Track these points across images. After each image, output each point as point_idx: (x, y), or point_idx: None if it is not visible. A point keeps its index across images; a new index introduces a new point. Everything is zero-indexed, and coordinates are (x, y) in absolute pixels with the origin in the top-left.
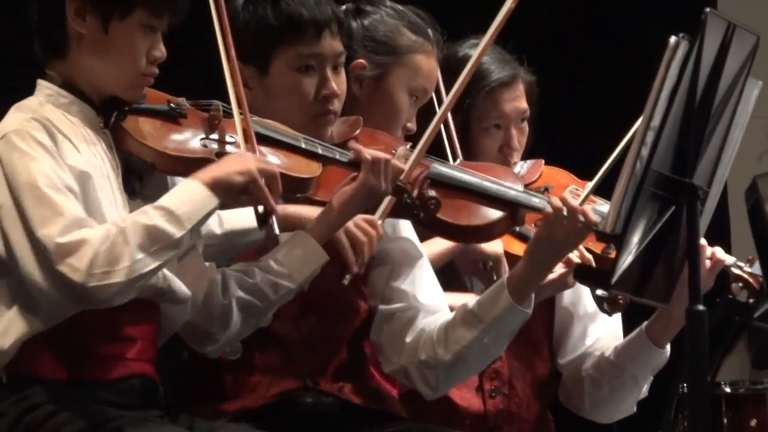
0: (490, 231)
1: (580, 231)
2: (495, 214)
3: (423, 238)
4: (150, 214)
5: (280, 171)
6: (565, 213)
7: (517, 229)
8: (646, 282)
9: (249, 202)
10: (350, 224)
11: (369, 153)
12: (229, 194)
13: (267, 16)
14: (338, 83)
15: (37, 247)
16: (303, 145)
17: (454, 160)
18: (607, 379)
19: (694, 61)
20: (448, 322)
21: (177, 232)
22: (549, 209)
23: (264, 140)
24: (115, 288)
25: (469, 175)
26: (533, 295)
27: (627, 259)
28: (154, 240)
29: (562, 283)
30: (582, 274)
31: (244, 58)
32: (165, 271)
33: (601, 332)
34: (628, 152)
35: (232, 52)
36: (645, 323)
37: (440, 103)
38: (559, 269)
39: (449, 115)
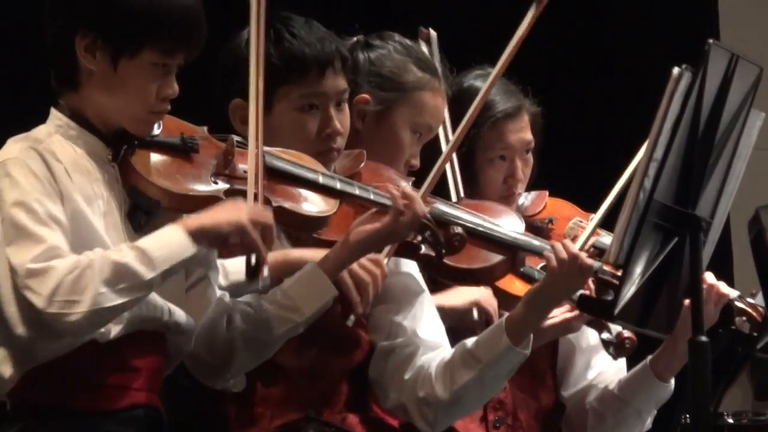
0: (489, 274)
1: (580, 277)
2: (495, 257)
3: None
4: (123, 252)
5: (288, 208)
6: (568, 261)
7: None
8: (649, 313)
9: (241, 252)
10: (354, 264)
11: (406, 197)
12: (215, 243)
13: (270, 55)
14: (341, 120)
15: (12, 274)
16: (321, 181)
17: (457, 198)
18: (610, 413)
19: (697, 92)
20: (447, 361)
21: (147, 274)
22: (550, 253)
23: (281, 176)
24: (74, 318)
25: (471, 216)
26: (531, 336)
27: (630, 290)
28: (122, 277)
29: (565, 328)
30: (585, 304)
31: (246, 95)
32: (170, 306)
33: (604, 365)
34: (630, 185)
35: (261, 90)
36: (649, 357)
37: (446, 138)
38: (564, 313)
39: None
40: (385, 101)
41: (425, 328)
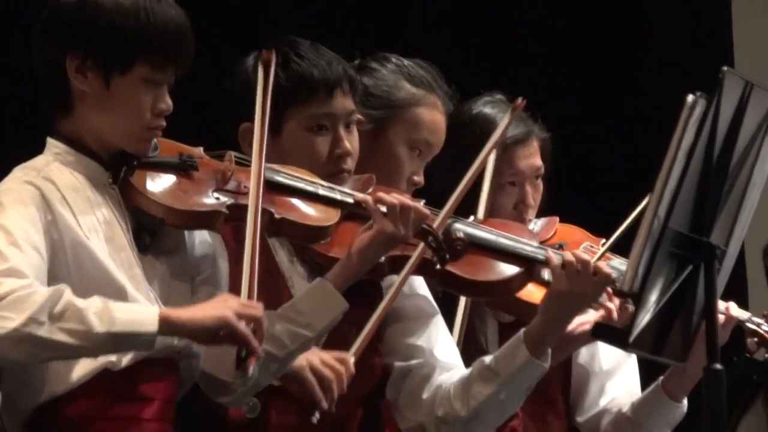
0: (506, 287)
1: (594, 285)
2: (511, 269)
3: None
4: (88, 301)
5: (291, 219)
6: (579, 268)
7: (546, 277)
8: (664, 341)
9: (230, 344)
10: (316, 361)
11: (393, 198)
12: (193, 334)
13: (278, 78)
14: (351, 142)
15: None
16: (321, 192)
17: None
18: None
19: (711, 120)
20: (464, 378)
21: (96, 327)
22: (556, 257)
23: (281, 189)
24: (6, 333)
25: (486, 232)
26: (550, 350)
27: (645, 318)
28: (69, 318)
29: (584, 339)
30: (599, 331)
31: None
32: None
33: (618, 389)
34: (643, 214)
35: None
36: (661, 378)
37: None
38: (582, 324)
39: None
40: (378, 120)
41: (441, 348)
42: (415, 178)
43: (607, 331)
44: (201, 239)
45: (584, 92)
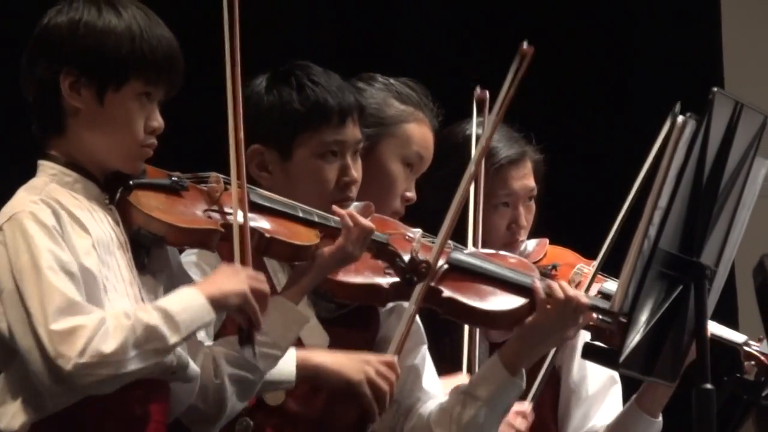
0: (511, 317)
1: (573, 317)
2: (517, 301)
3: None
4: (150, 314)
5: (281, 239)
6: (564, 304)
7: None
8: (654, 361)
9: (236, 316)
10: (372, 373)
11: (351, 218)
12: (221, 310)
13: (292, 101)
14: (357, 170)
15: (33, 331)
16: (300, 214)
17: (474, 246)
18: None
19: (701, 140)
20: (444, 406)
21: (171, 338)
22: (539, 285)
23: (261, 210)
24: (102, 378)
25: (488, 263)
26: (524, 370)
27: (635, 338)
28: (148, 340)
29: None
30: (589, 351)
31: (265, 141)
32: (178, 348)
33: (603, 415)
34: (627, 226)
35: (240, 123)
36: (634, 396)
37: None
38: None
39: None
40: (369, 138)
41: (426, 379)
42: (408, 194)
43: (597, 351)
44: (179, 259)
45: (574, 113)
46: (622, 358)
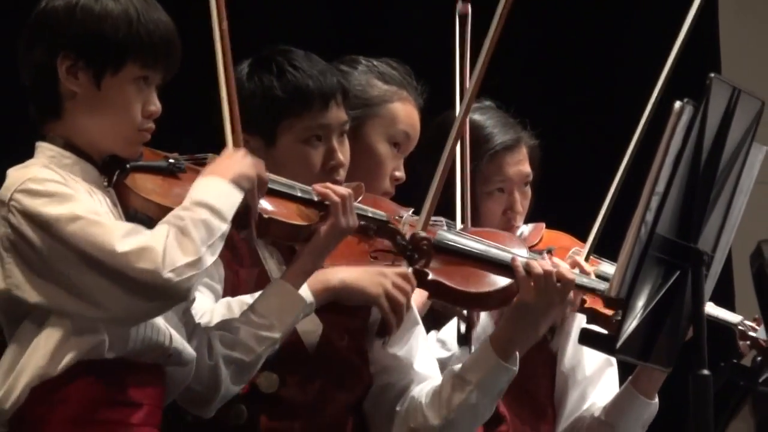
0: (498, 297)
1: (560, 293)
2: (503, 281)
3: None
4: (196, 211)
5: (279, 219)
6: (544, 279)
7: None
8: (651, 346)
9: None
10: (390, 287)
11: (330, 196)
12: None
13: (273, 87)
14: (343, 152)
15: (101, 267)
16: (299, 194)
17: (463, 226)
18: None
19: (698, 126)
20: (435, 387)
21: (223, 225)
22: (518, 264)
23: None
24: (194, 280)
25: (476, 242)
26: (517, 354)
27: (632, 324)
28: (210, 233)
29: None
30: (586, 337)
31: (249, 128)
32: (172, 331)
33: (599, 395)
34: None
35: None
36: (630, 378)
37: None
38: None
39: (460, 179)
40: (355, 119)
41: (420, 360)
42: (397, 173)
43: (594, 337)
44: None
45: (569, 98)
46: (618, 344)
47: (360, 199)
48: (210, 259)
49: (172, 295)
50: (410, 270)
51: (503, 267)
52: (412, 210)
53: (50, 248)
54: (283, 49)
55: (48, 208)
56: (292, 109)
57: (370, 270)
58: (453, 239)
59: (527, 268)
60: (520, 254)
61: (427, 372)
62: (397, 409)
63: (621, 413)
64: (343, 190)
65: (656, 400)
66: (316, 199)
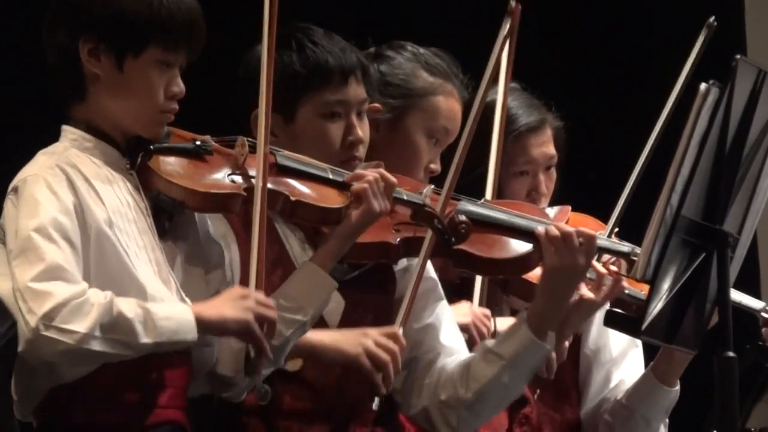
0: (523, 264)
1: (584, 254)
2: (525, 246)
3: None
4: (131, 307)
5: (307, 201)
6: (563, 240)
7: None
8: (676, 329)
9: (245, 342)
10: (371, 346)
11: (363, 179)
12: (218, 334)
13: (293, 63)
14: (363, 129)
15: (17, 290)
16: (330, 176)
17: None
18: (619, 423)
19: (724, 108)
20: (467, 360)
21: (142, 337)
22: (541, 230)
23: (289, 172)
24: (62, 347)
25: (497, 212)
26: (553, 334)
27: (657, 306)
28: (117, 329)
29: (589, 306)
30: (611, 319)
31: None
32: None
33: (624, 376)
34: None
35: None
36: (650, 365)
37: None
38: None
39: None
40: (396, 108)
41: (446, 333)
42: (432, 165)
43: (619, 319)
44: (208, 227)
45: (595, 81)
46: (644, 326)
47: None
48: (100, 347)
49: (36, 347)
50: (399, 330)
51: (525, 233)
52: (432, 186)
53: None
54: (302, 26)
55: (20, 214)
56: (312, 84)
57: (352, 331)
58: (475, 210)
59: (548, 230)
60: (542, 221)
61: (455, 345)
62: (426, 381)
63: (641, 399)
64: (375, 174)
65: (677, 387)
66: (346, 181)
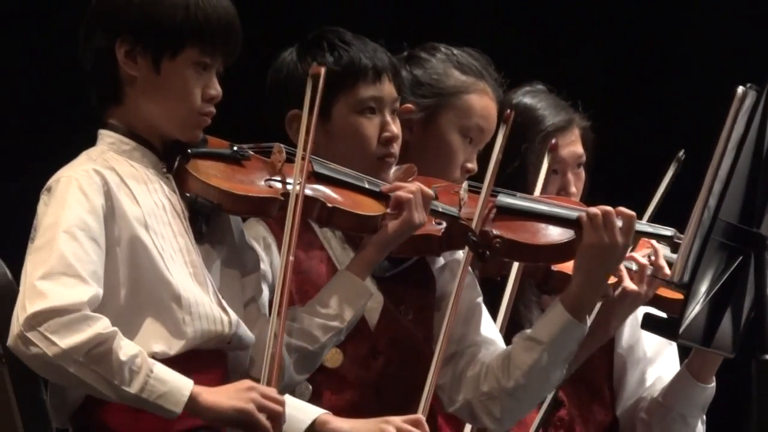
0: (566, 250)
1: (622, 234)
2: (568, 233)
3: None
4: (134, 351)
5: (344, 209)
6: (602, 217)
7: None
8: (714, 332)
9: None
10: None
11: (404, 190)
12: (216, 421)
13: (326, 63)
14: (397, 126)
15: (22, 283)
16: (367, 185)
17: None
18: (656, 421)
19: (761, 111)
20: (507, 350)
21: (126, 386)
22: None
23: (326, 180)
24: (36, 352)
25: (535, 203)
26: (588, 317)
27: (695, 309)
28: (102, 362)
29: (633, 297)
30: (649, 322)
31: (303, 106)
32: (232, 315)
33: (659, 375)
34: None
35: (311, 132)
36: (685, 362)
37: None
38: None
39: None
40: (429, 108)
41: (484, 327)
42: (468, 165)
43: (656, 322)
44: (242, 233)
45: (628, 81)
46: (681, 329)
47: (412, 179)
48: (77, 370)
49: (18, 345)
50: (423, 417)
51: (567, 221)
52: (468, 182)
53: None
54: (331, 29)
55: (48, 211)
56: (346, 81)
57: (373, 420)
58: (515, 202)
59: (588, 210)
60: (579, 209)
61: (493, 337)
62: (468, 374)
63: (677, 397)
64: (414, 186)
65: (713, 383)
66: (383, 191)
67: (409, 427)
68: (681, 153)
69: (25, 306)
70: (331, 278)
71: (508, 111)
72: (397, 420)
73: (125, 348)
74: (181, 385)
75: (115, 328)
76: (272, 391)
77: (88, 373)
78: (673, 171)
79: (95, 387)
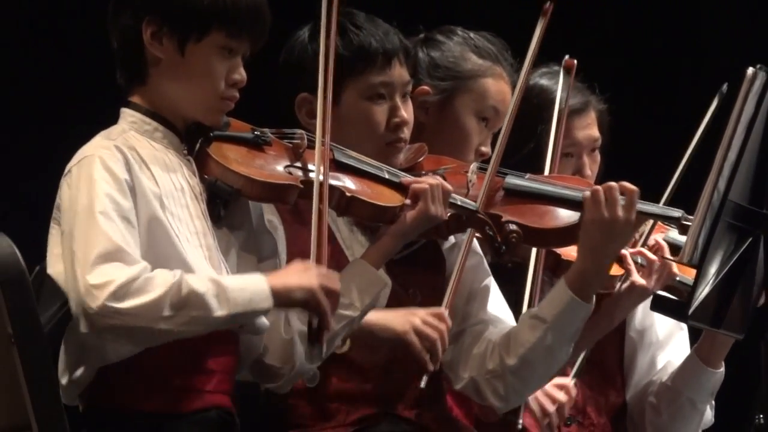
0: (573, 233)
1: (624, 209)
2: (575, 215)
3: None
4: (201, 282)
5: (363, 198)
6: (604, 193)
7: None
8: (723, 313)
9: (306, 310)
10: (419, 323)
11: (423, 182)
12: (285, 305)
13: (336, 47)
14: (407, 111)
15: (74, 273)
16: (386, 176)
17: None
18: (665, 405)
19: None
20: (512, 329)
21: (216, 310)
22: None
23: (346, 169)
24: (128, 325)
25: (544, 184)
26: (594, 296)
27: (704, 290)
28: (189, 305)
29: (640, 291)
30: (658, 303)
31: (312, 89)
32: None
33: (669, 359)
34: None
35: (330, 89)
36: (694, 347)
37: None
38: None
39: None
40: (445, 91)
41: (493, 306)
42: (483, 148)
43: (666, 304)
44: (262, 218)
45: (641, 65)
46: (690, 311)
47: (422, 158)
48: (169, 326)
49: (96, 326)
50: (446, 311)
51: (573, 203)
52: (476, 164)
53: (66, 232)
54: (345, 11)
55: (79, 194)
56: (356, 67)
57: (400, 310)
58: (522, 183)
59: (590, 189)
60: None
61: (501, 315)
62: (474, 352)
63: (686, 381)
64: (434, 179)
65: (722, 368)
66: (403, 183)
67: (433, 319)
68: (724, 86)
69: (94, 295)
70: (336, 258)
71: (547, 4)
72: (423, 312)
73: (194, 282)
74: (257, 283)
75: (178, 270)
76: (327, 270)
77: (180, 320)
78: (717, 104)
79: (189, 330)
